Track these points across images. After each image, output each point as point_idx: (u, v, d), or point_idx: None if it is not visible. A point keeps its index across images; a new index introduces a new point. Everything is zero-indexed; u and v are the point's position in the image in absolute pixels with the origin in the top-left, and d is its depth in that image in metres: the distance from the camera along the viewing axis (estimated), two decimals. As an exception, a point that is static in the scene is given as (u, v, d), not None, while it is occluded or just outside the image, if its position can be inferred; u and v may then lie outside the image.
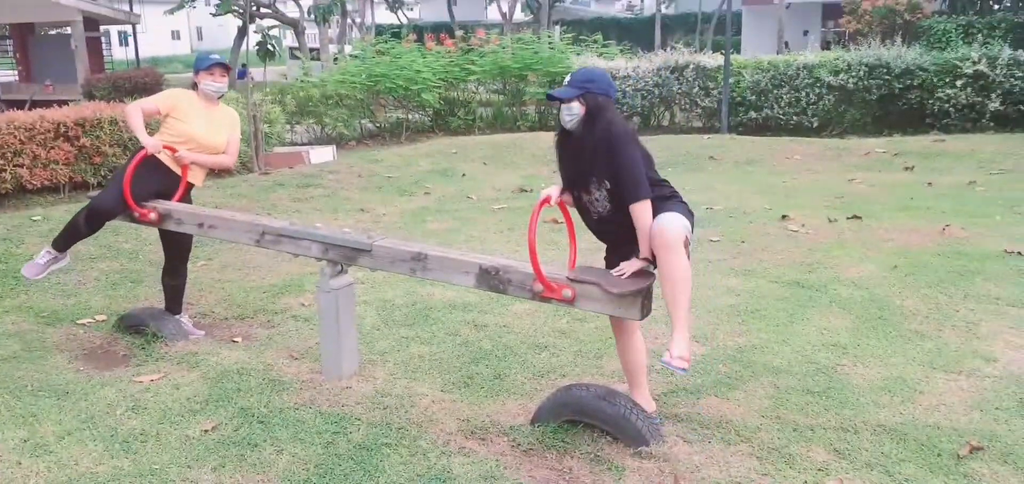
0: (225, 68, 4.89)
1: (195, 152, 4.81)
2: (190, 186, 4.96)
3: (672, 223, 3.21)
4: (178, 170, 4.84)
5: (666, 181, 3.46)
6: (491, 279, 3.64)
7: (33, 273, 4.77)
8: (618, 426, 3.43)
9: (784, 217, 7.39)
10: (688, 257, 3.25)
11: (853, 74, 13.47)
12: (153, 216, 4.70)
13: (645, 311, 3.34)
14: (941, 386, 3.97)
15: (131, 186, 4.62)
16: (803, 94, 13.90)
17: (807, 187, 9.11)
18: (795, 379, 4.10)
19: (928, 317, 4.87)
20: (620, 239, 3.47)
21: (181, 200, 4.87)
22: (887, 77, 13.36)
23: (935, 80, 13.17)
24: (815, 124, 13.89)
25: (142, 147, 4.65)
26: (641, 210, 3.28)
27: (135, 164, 4.62)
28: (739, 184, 9.45)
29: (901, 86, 13.33)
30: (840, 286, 5.48)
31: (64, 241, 4.78)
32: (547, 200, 3.52)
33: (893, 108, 13.55)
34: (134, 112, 4.69)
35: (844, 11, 21.86)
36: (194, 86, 4.91)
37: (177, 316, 5.06)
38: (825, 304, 5.17)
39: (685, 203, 3.42)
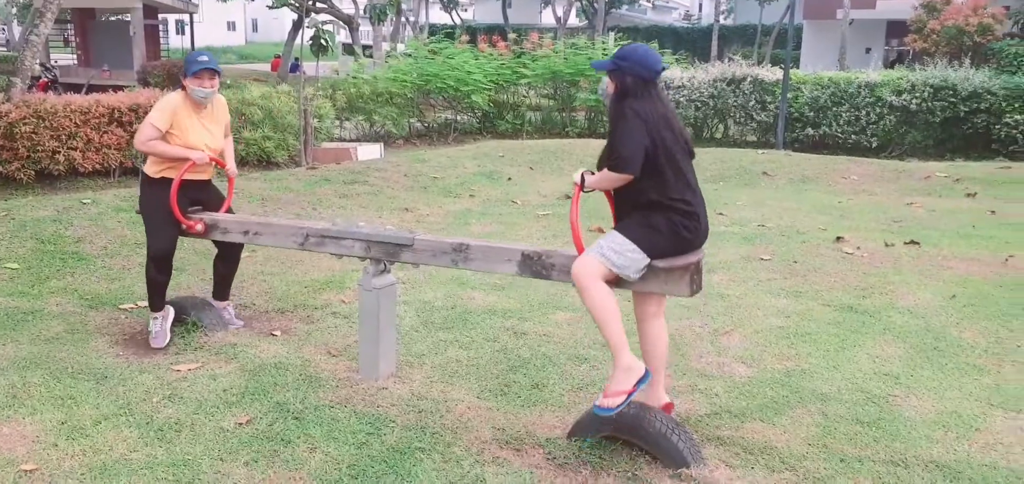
0: (214, 72, 4.63)
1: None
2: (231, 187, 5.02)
3: (581, 264, 3.29)
4: (208, 177, 4.84)
5: (680, 197, 3.28)
6: (534, 264, 3.70)
7: (160, 342, 4.67)
8: (657, 445, 3.36)
9: (839, 239, 7.23)
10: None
11: (917, 95, 13.15)
12: (200, 227, 4.73)
13: (695, 287, 3.33)
14: (999, 424, 3.82)
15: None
16: (863, 113, 13.60)
17: (863, 209, 8.91)
18: (844, 407, 3.99)
19: (987, 351, 4.71)
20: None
21: (227, 207, 4.92)
22: (953, 99, 13.01)
23: (1003, 105, 12.79)
24: (874, 144, 13.59)
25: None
26: (608, 177, 3.30)
27: (177, 184, 4.60)
28: (793, 202, 9.28)
29: (967, 109, 12.98)
30: (895, 313, 5.33)
31: (154, 300, 4.73)
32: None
33: (957, 132, 13.19)
34: (154, 140, 4.53)
35: (910, 30, 21.33)
36: (182, 87, 4.69)
37: (223, 303, 5.09)
38: (878, 331, 5.03)
39: (656, 224, 3.27)
